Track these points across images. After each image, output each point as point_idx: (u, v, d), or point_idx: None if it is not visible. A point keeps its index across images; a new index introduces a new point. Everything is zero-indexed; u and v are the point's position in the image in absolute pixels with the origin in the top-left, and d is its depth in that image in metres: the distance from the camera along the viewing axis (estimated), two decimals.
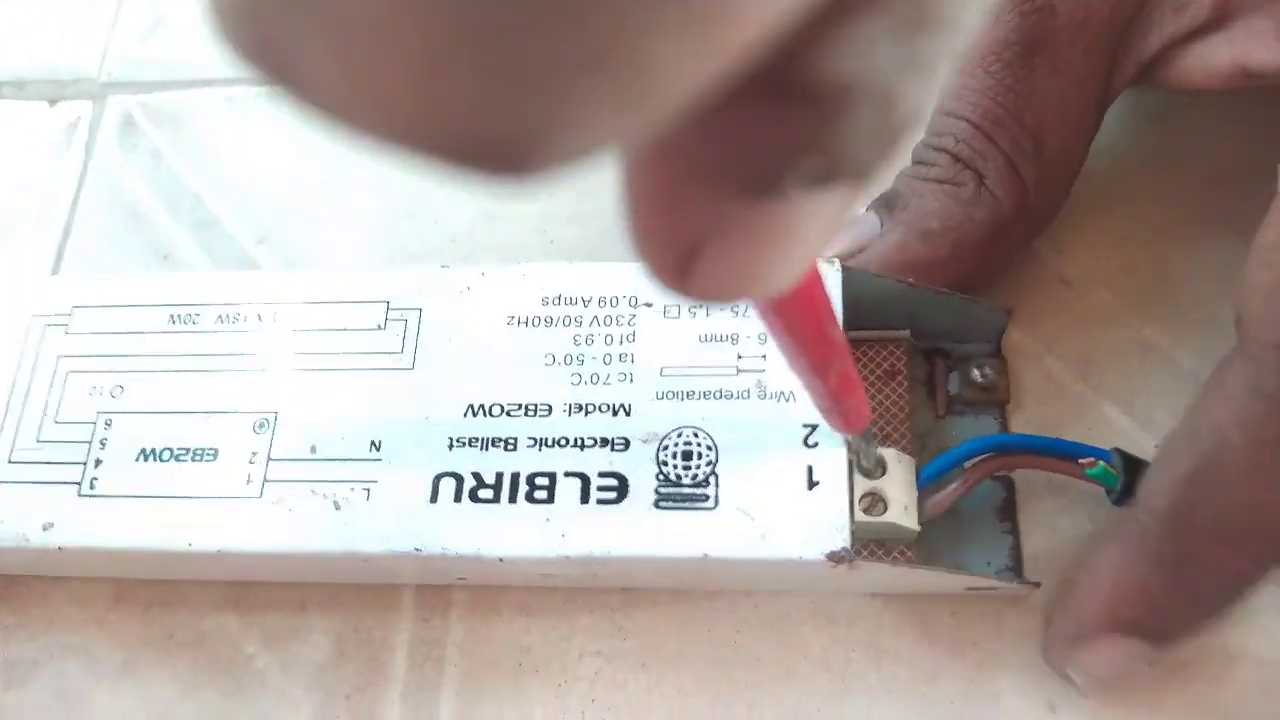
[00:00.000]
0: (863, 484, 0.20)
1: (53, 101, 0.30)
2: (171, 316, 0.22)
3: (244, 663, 0.23)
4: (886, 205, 0.23)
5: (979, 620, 0.22)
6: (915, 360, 0.23)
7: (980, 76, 0.22)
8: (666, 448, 0.20)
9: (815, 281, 0.13)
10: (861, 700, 0.21)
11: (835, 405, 0.17)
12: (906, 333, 0.23)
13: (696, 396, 0.20)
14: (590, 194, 0.25)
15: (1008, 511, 0.22)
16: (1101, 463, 0.21)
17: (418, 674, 0.23)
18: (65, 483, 0.21)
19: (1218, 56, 0.21)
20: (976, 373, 0.23)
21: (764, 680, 0.22)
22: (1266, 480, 0.18)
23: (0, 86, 0.31)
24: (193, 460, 0.21)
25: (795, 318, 0.13)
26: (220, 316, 0.22)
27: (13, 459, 0.21)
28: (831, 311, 0.14)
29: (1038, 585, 0.21)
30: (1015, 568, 0.22)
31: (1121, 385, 0.24)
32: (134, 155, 0.29)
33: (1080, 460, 0.21)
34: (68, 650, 0.24)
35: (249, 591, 0.24)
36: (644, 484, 0.20)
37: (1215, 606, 0.19)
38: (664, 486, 0.20)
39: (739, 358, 0.20)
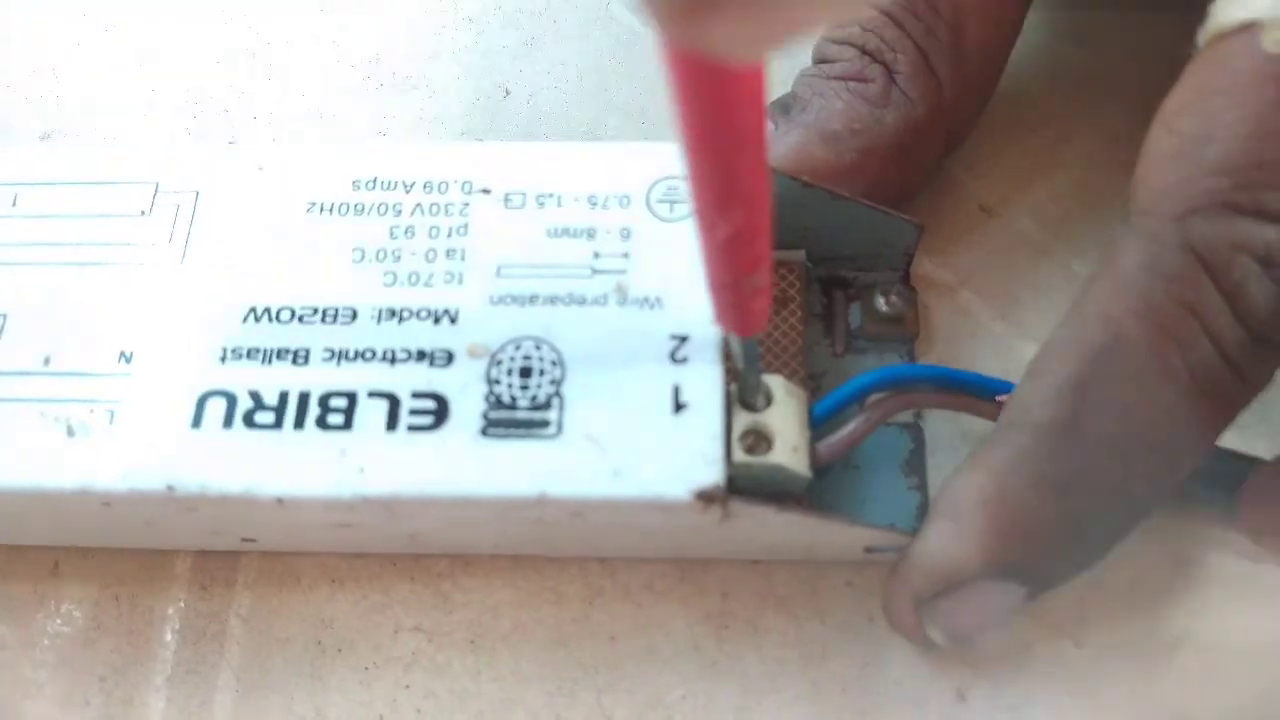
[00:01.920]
0: (744, 418, 0.16)
1: None
2: None
3: None
4: (783, 108, 0.20)
5: (878, 592, 0.18)
6: (811, 289, 0.20)
7: None
8: (500, 363, 0.16)
9: (760, 81, 0.10)
10: (733, 687, 0.18)
11: (731, 276, 0.13)
12: (802, 254, 0.19)
13: (541, 301, 0.16)
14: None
15: (915, 465, 0.19)
16: None
17: (190, 651, 0.18)
18: None
19: None
20: (881, 300, 0.20)
21: (619, 661, 0.18)
22: (1166, 378, 0.15)
23: None
24: None
25: (733, 109, 0.10)
26: None
27: None
28: (764, 142, 0.11)
29: None
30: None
31: (1045, 324, 0.20)
32: None
33: (999, 398, 0.18)
34: None
35: None
36: (469, 407, 0.15)
37: (1103, 541, 0.16)
38: (494, 410, 0.15)
39: (595, 256, 0.16)
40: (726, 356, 0.16)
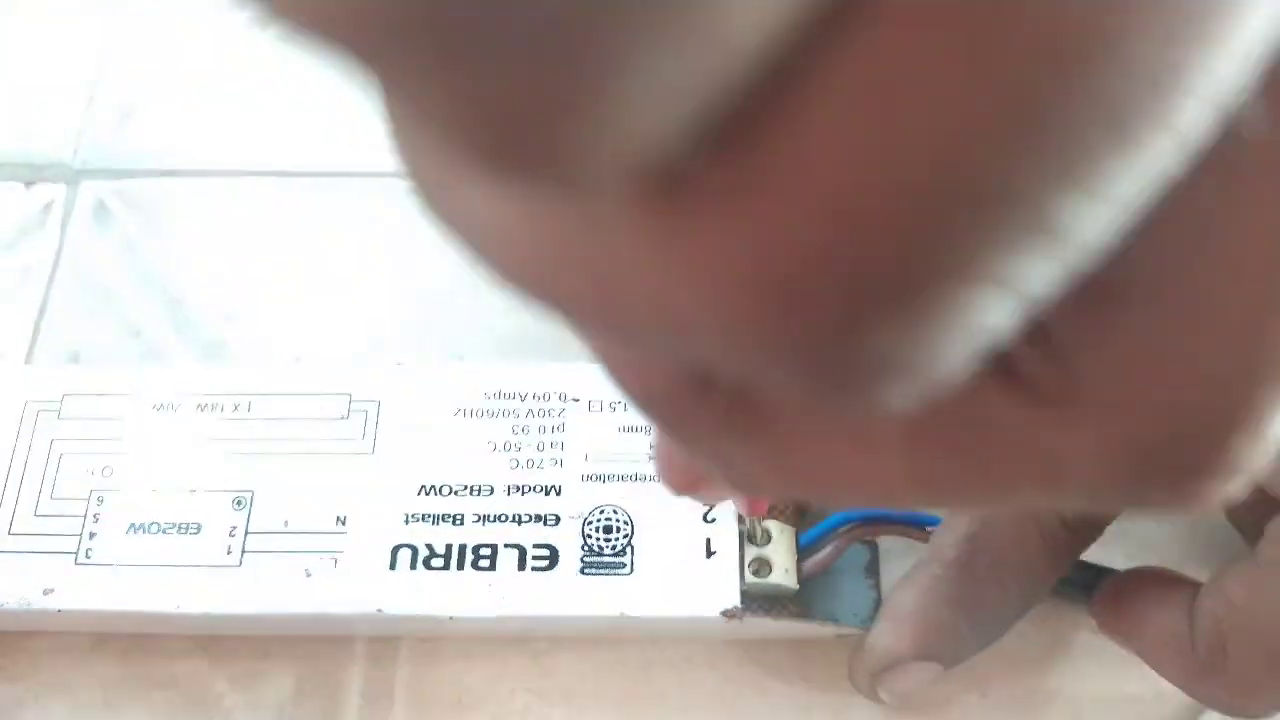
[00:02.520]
0: (752, 551, 0.24)
1: (29, 184, 0.33)
2: (155, 405, 0.25)
3: (214, 700, 0.26)
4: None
5: (845, 661, 0.26)
6: None
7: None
8: (590, 523, 0.24)
9: None
10: None
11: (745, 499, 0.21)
12: None
13: (615, 479, 0.24)
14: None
15: (872, 569, 0.27)
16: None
17: (370, 709, 0.26)
18: (63, 552, 0.24)
19: None
20: None
21: (669, 713, 0.26)
22: (1025, 536, 0.23)
23: None
24: (178, 533, 0.24)
25: None
26: (199, 405, 0.25)
27: (13, 531, 0.24)
28: None
29: None
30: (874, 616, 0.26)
31: None
32: (107, 239, 0.32)
33: (926, 527, 0.26)
34: (51, 690, 0.26)
35: (216, 640, 0.27)
36: (571, 553, 0.24)
37: (995, 633, 0.24)
38: (588, 556, 0.24)
39: (651, 446, 0.25)
40: (740, 519, 0.24)
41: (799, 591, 0.25)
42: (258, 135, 0.34)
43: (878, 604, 0.26)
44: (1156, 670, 0.23)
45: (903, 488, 0.11)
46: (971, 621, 0.24)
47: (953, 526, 0.24)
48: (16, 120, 0.34)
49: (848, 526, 0.26)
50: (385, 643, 0.27)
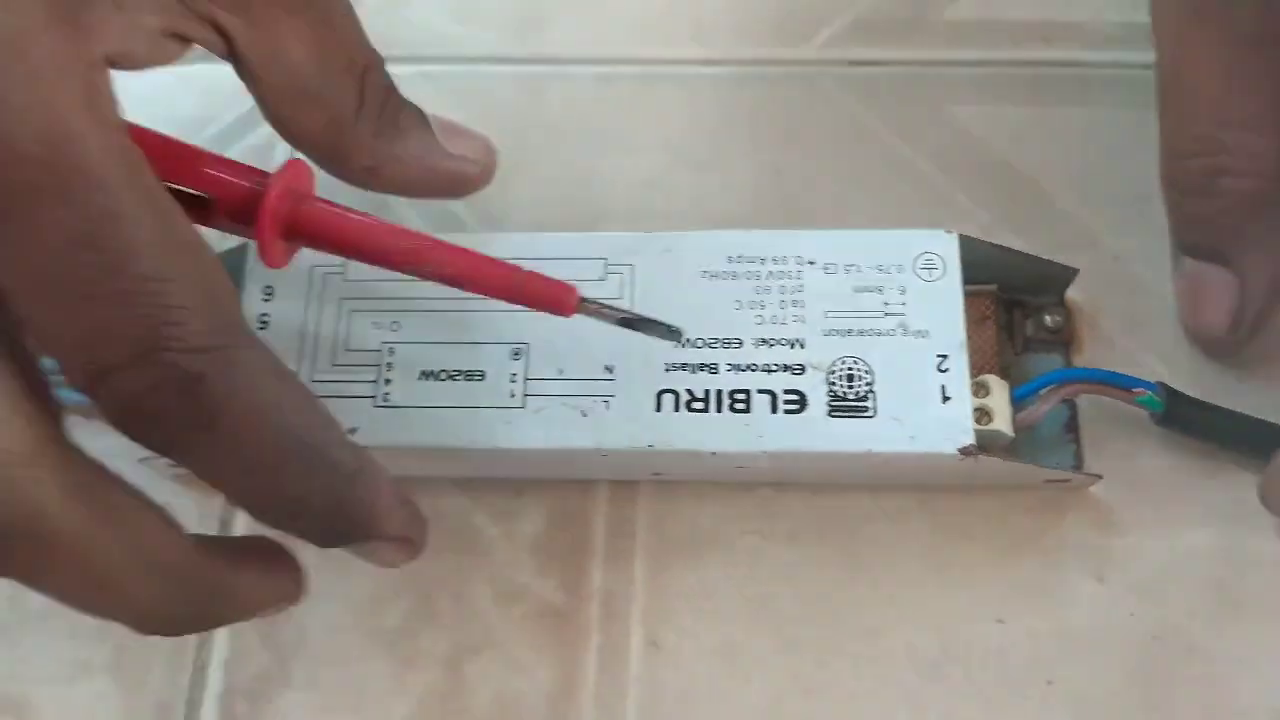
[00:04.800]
0: (974, 401, 0.27)
1: None
2: None
3: (474, 533, 0.30)
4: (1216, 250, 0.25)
5: (1047, 511, 0.29)
6: (1000, 309, 0.30)
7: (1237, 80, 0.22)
8: (834, 372, 0.27)
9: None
10: (956, 575, 0.28)
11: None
12: (994, 287, 0.30)
13: (854, 334, 0.27)
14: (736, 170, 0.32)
15: (1072, 425, 0.29)
16: (1149, 392, 0.28)
17: (614, 543, 0.29)
18: (363, 397, 0.27)
19: None
20: (1048, 319, 0.30)
21: (882, 557, 0.29)
22: None
23: None
24: (465, 379, 0.27)
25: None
26: None
27: (314, 379, 0.27)
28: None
29: (1099, 477, 0.28)
30: (1078, 466, 0.29)
31: (1159, 340, 0.30)
32: None
33: (1134, 390, 0.28)
34: None
35: (471, 484, 0.30)
36: (819, 399, 0.26)
37: None
38: (834, 401, 0.26)
39: (885, 304, 0.27)
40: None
41: (1010, 443, 0.27)
42: None
43: (1078, 456, 0.29)
44: None
45: None
46: None
47: None
48: None
49: (1056, 384, 0.28)
50: (625, 487, 0.30)
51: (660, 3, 0.35)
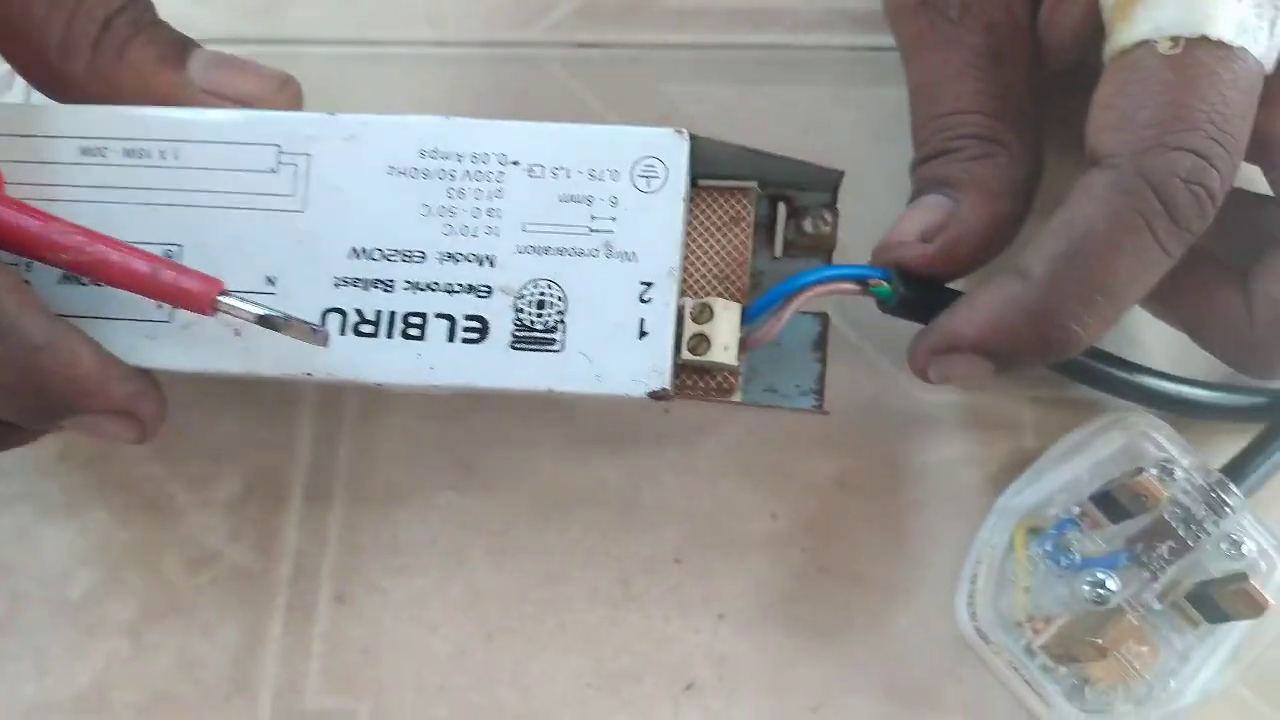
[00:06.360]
0: (693, 328, 0.24)
1: None
2: (81, 149, 0.24)
3: (167, 500, 0.28)
4: (945, 184, 0.26)
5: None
6: (760, 206, 0.26)
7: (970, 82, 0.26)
8: (523, 297, 0.23)
9: None
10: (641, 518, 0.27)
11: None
12: (754, 183, 0.26)
13: (553, 252, 0.23)
14: None
15: (820, 344, 0.26)
16: (884, 282, 0.25)
17: (310, 505, 0.28)
18: None
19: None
20: (808, 223, 0.26)
21: (573, 504, 0.27)
22: (1117, 255, 0.22)
23: None
24: (93, 285, 0.24)
25: None
26: (126, 150, 0.24)
27: None
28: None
29: (827, 413, 0.25)
30: (818, 390, 0.26)
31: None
32: None
33: (869, 281, 0.25)
34: (19, 497, 0.28)
35: (171, 446, 0.28)
36: (502, 327, 0.23)
37: (1052, 354, 0.24)
38: (519, 330, 0.23)
39: (592, 219, 0.23)
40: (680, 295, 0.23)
41: (747, 361, 0.25)
42: None
43: (822, 377, 0.26)
44: (1205, 347, 0.26)
45: None
46: (1038, 336, 0.23)
47: (1043, 245, 0.23)
48: None
49: (787, 295, 0.25)
50: (326, 447, 0.28)
51: None
